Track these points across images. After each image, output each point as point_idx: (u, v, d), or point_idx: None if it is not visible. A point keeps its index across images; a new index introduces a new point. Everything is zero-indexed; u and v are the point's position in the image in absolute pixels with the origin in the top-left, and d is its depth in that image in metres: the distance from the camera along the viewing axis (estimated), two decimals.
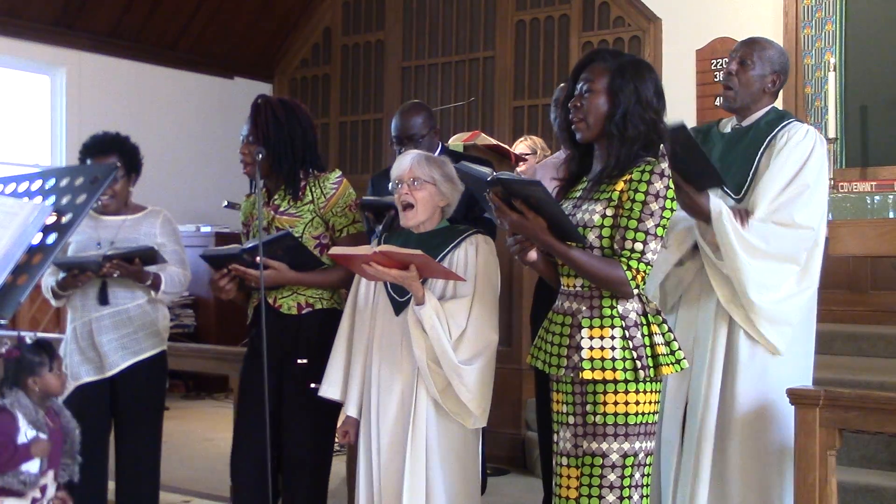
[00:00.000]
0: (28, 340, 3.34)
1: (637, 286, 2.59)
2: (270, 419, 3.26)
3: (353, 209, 3.48)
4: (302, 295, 3.39)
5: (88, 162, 3.71)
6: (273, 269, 3.28)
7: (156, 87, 9.13)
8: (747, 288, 3.05)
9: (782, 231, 3.09)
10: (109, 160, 3.69)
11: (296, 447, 3.35)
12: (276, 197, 3.45)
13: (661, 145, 2.67)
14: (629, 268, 2.56)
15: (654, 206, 2.57)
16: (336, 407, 3.29)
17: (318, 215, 3.42)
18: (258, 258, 3.24)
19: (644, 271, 2.58)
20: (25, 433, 3.13)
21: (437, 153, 3.86)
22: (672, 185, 2.62)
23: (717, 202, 3.06)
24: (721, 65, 7.51)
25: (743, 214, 3.10)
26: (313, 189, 3.42)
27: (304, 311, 3.38)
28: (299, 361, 3.29)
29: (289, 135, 3.41)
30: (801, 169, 3.12)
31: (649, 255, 2.58)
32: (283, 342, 3.35)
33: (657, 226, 2.58)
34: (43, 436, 3.15)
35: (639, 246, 2.56)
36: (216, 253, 3.43)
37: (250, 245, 3.29)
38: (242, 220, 3.65)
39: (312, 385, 3.22)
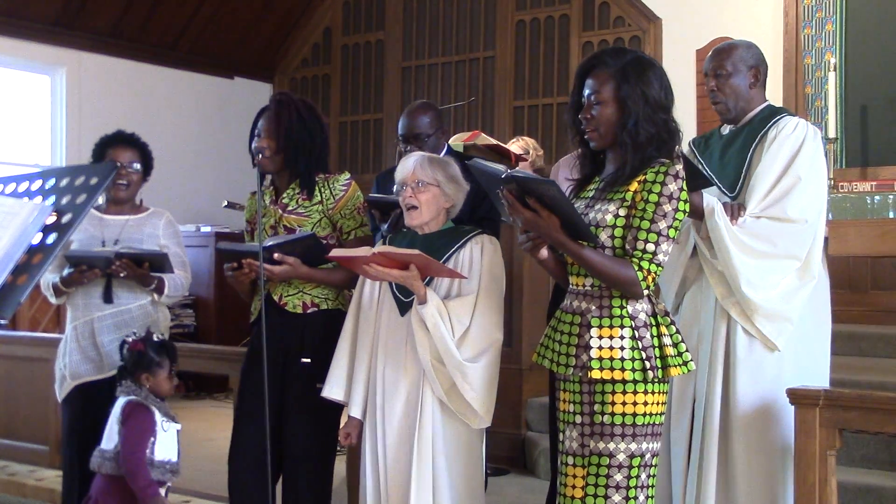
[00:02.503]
0: (156, 338, 3.44)
1: (647, 287, 2.58)
2: (273, 419, 3.25)
3: (361, 212, 3.49)
4: (308, 294, 3.38)
5: (107, 152, 3.78)
6: (288, 264, 3.28)
7: (156, 87, 9.12)
8: (740, 284, 3.05)
9: (776, 226, 3.09)
10: (128, 153, 3.78)
11: (299, 447, 3.34)
12: (284, 195, 3.45)
13: (677, 147, 2.66)
14: (640, 268, 2.55)
15: (668, 208, 2.57)
16: (338, 407, 3.28)
17: (326, 216, 3.42)
18: (275, 255, 3.26)
19: (655, 272, 2.57)
20: (162, 425, 3.24)
21: (442, 153, 3.84)
22: (686, 188, 2.61)
23: (710, 199, 3.06)
24: None
25: (735, 210, 3.10)
26: (323, 190, 3.43)
27: (309, 311, 3.38)
28: (304, 360, 3.28)
29: (310, 134, 3.42)
30: (791, 162, 3.12)
31: (661, 257, 2.57)
32: (287, 341, 3.34)
33: (669, 227, 2.57)
34: (178, 425, 3.29)
35: (650, 247, 2.56)
36: (234, 248, 3.43)
37: (269, 243, 3.30)
38: (247, 217, 3.65)
39: (318, 385, 3.21)
